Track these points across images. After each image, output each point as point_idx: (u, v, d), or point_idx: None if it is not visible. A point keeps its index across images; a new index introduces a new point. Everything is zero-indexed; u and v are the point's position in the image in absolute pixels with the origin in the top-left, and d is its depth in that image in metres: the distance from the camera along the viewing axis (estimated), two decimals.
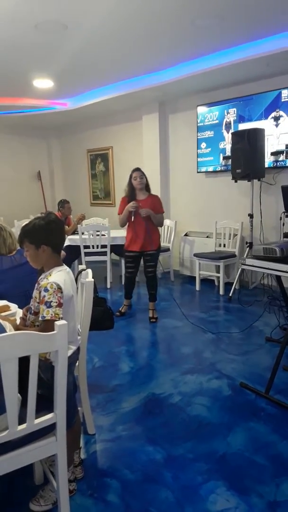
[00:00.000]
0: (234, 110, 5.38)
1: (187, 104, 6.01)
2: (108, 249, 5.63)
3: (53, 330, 1.49)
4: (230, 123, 5.46)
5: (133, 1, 3.18)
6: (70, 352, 1.80)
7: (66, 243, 5.35)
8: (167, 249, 5.80)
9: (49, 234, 1.85)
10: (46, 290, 1.71)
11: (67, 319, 1.72)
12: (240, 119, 5.32)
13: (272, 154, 5.01)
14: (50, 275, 1.81)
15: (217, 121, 5.61)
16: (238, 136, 4.82)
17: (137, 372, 3.15)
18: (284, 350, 2.68)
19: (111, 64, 4.72)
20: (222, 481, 1.95)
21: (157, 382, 2.96)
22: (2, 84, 5.35)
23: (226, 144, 5.52)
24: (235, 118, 5.38)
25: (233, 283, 5.15)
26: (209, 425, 2.42)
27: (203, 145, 5.82)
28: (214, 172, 5.78)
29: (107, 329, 2.53)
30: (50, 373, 1.61)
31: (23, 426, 1.50)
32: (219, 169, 5.69)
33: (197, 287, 5.48)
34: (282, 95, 4.83)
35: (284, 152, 4.92)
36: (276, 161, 5.01)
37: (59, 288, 1.72)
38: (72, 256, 5.68)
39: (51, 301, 1.69)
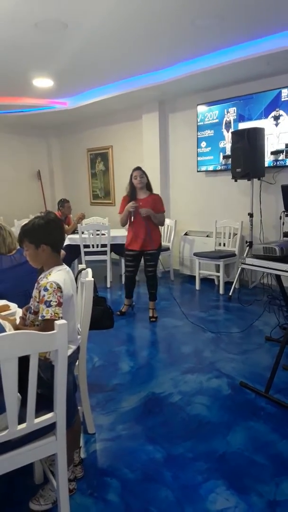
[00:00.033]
0: (234, 109, 5.38)
1: (187, 103, 6.01)
2: (108, 249, 5.63)
3: (53, 329, 1.49)
4: (230, 122, 5.46)
5: (133, 1, 3.17)
6: (70, 352, 1.80)
7: (66, 242, 5.35)
8: (167, 248, 5.80)
9: (48, 234, 1.85)
10: (45, 289, 1.71)
11: (67, 318, 1.72)
12: (240, 118, 5.32)
13: (272, 153, 5.01)
14: (50, 274, 1.81)
15: (217, 120, 5.60)
16: (238, 135, 4.81)
17: (137, 372, 3.15)
18: (283, 349, 2.68)
19: (111, 63, 4.72)
20: (222, 480, 1.95)
21: (157, 382, 2.97)
22: (2, 83, 5.35)
23: (226, 143, 5.52)
24: (235, 117, 5.38)
25: (233, 282, 5.15)
26: (209, 425, 2.42)
27: (203, 144, 5.82)
28: (214, 171, 5.78)
29: (107, 328, 2.53)
30: (50, 372, 1.61)
31: (23, 425, 1.50)
32: (219, 168, 5.69)
33: (197, 286, 5.48)
34: (282, 94, 4.82)
35: (284, 151, 4.92)
36: (276, 160, 5.00)
37: (59, 288, 1.72)
38: (72, 255, 5.68)
39: (51, 301, 1.69)
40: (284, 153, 4.93)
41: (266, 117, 5.02)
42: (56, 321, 1.50)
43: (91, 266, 2.95)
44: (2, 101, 6.18)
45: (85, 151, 7.96)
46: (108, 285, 5.66)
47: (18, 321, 1.93)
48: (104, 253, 5.64)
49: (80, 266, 2.36)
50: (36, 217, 1.89)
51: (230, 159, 5.11)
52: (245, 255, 4.53)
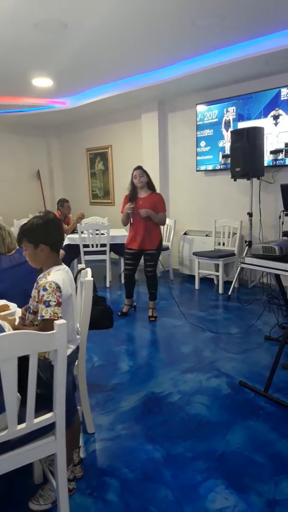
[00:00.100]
0: (233, 109, 5.38)
1: (187, 103, 6.01)
2: (107, 248, 5.63)
3: (52, 329, 1.49)
4: (229, 121, 5.46)
5: (133, 1, 3.17)
6: (69, 351, 1.80)
7: (66, 242, 5.36)
8: (167, 248, 5.80)
9: (47, 233, 1.85)
10: (45, 289, 1.71)
11: (66, 318, 1.72)
12: (240, 117, 5.32)
13: (271, 152, 5.01)
14: (49, 274, 1.82)
15: (216, 120, 5.60)
16: (237, 135, 4.81)
17: (137, 371, 3.15)
18: (283, 348, 2.68)
19: (111, 63, 4.72)
20: (221, 479, 1.96)
21: (157, 381, 2.97)
22: (2, 83, 5.34)
23: (226, 143, 5.52)
24: (235, 116, 5.38)
25: (232, 281, 5.15)
26: (208, 424, 2.42)
27: (203, 143, 5.82)
28: (214, 170, 5.78)
29: (106, 328, 2.53)
30: (50, 372, 1.61)
31: (23, 425, 1.50)
32: (219, 167, 5.69)
33: (197, 286, 5.48)
34: (282, 93, 4.82)
35: (283, 150, 4.92)
36: (275, 159, 5.00)
37: (58, 287, 1.72)
38: (72, 255, 5.68)
39: (50, 300, 1.69)
40: (283, 153, 4.93)
41: (266, 116, 5.02)
42: (55, 321, 1.50)
43: (91, 265, 2.95)
44: (1, 101, 6.17)
45: (85, 150, 7.96)
46: (108, 285, 5.66)
47: (17, 321, 1.94)
48: (104, 252, 5.64)
49: (80, 266, 2.37)
50: (35, 217, 1.89)
51: (229, 158, 5.11)
52: (244, 255, 4.52)
